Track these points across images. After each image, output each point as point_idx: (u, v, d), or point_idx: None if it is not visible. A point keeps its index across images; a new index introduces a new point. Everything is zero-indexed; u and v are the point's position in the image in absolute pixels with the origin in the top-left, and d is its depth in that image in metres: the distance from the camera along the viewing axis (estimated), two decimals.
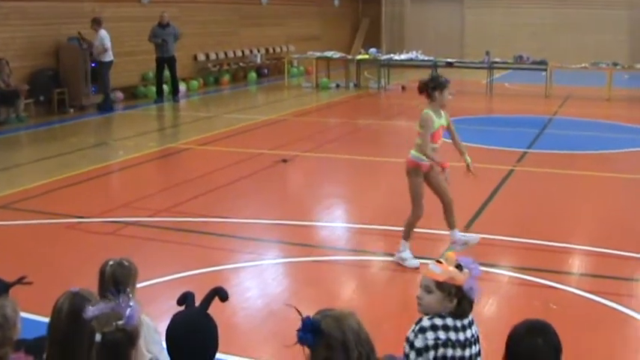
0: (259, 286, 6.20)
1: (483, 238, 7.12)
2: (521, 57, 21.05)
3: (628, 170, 10.85)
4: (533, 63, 21.04)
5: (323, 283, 6.29)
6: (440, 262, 3.16)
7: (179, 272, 6.31)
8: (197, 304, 2.69)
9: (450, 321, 3.06)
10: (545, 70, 20.57)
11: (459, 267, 3.13)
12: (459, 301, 3.07)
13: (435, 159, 6.52)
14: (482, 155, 11.76)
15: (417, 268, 6.39)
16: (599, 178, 10.29)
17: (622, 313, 5.55)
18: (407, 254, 6.65)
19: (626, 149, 12.41)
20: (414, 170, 6.63)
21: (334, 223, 8.14)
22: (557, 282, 6.16)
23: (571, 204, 8.81)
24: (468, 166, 6.80)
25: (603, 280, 6.36)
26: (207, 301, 2.68)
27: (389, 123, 15.55)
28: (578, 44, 28.66)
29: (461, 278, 3.09)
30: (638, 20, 29.44)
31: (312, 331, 2.41)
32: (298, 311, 2.41)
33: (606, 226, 7.98)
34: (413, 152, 6.62)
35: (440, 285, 3.08)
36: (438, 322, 3.04)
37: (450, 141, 6.89)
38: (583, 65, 20.88)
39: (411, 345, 3.01)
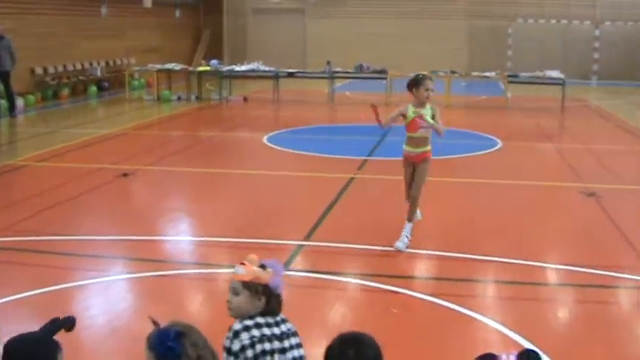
0: (102, 304, 6.02)
1: (325, 246, 7.29)
2: (361, 66, 21.72)
3: (467, 174, 11.44)
4: (374, 72, 21.78)
5: (168, 298, 6.19)
6: (244, 264, 3.24)
7: (18, 293, 6.01)
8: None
9: (261, 319, 3.14)
10: (386, 78, 21.34)
11: (262, 267, 3.23)
12: (267, 299, 3.17)
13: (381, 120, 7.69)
14: (324, 164, 12.07)
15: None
16: (440, 183, 10.74)
17: (464, 314, 5.74)
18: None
19: (465, 154, 13.10)
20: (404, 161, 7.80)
21: (178, 237, 8.02)
22: (400, 287, 6.31)
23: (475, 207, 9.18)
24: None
25: (445, 282, 6.60)
26: (51, 328, 2.57)
27: (231, 135, 15.57)
28: (418, 53, 29.89)
29: (266, 277, 3.20)
30: (475, 30, 31.18)
31: (177, 340, 2.42)
32: (156, 322, 2.39)
33: (445, 229, 8.35)
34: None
35: (246, 285, 3.16)
36: (250, 322, 3.11)
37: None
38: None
39: (229, 351, 3.05)
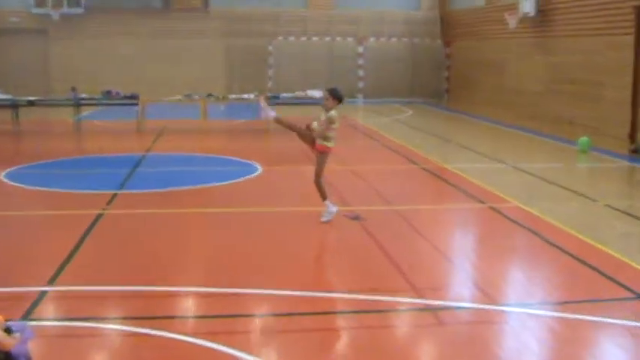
0: None
1: (73, 290, 7.17)
2: (109, 92, 21.43)
3: (223, 203, 11.70)
4: (124, 98, 21.56)
5: None
6: None
7: None
8: None
9: None
10: (137, 104, 21.22)
11: (8, 331, 3.10)
12: None
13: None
14: (69, 201, 11.80)
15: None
16: (197, 214, 10.91)
17: (226, 353, 5.87)
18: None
19: (223, 182, 13.36)
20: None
21: None
22: (158, 328, 6.32)
23: (168, 244, 9.19)
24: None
25: (205, 320, 6.74)
26: None
27: None
28: (172, 76, 30.03)
29: (9, 343, 3.06)
30: (233, 49, 31.82)
31: None
32: None
33: (202, 263, 8.51)
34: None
35: None
36: None
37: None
38: (177, 98, 21.99)
39: None
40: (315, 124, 10.34)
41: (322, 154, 10.31)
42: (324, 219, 10.29)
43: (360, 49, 33.18)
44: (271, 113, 10.52)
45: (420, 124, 23.94)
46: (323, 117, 10.18)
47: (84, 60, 30.46)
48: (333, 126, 10.19)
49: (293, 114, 23.11)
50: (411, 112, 28.07)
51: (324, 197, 10.36)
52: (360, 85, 33.20)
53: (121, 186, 12.89)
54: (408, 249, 9.15)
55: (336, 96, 10.17)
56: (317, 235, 9.98)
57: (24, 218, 10.72)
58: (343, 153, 17.35)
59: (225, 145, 18.69)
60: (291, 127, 10.51)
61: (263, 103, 11.04)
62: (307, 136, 10.40)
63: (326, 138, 10.24)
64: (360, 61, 33.20)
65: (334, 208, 10.43)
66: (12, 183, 13.21)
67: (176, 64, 30.81)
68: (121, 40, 30.90)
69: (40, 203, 11.84)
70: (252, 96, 22.46)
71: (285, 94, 22.85)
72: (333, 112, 10.14)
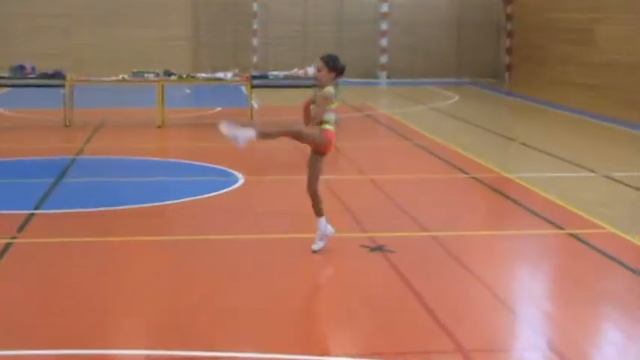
0: None
1: None
2: (22, 67, 21.32)
3: (187, 229, 11.66)
4: (43, 76, 21.46)
5: None
6: None
7: None
8: None
9: None
10: (63, 86, 21.14)
11: None
12: None
13: None
14: None
15: None
16: (147, 244, 10.82)
17: None
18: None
19: (189, 197, 13.30)
20: None
21: None
22: None
23: (104, 287, 9.13)
24: None
25: None
26: None
27: None
28: (114, 45, 30.01)
29: None
30: (204, 8, 31.82)
31: None
32: None
33: (153, 316, 8.39)
34: None
35: None
36: None
37: None
38: (121, 77, 21.91)
39: None
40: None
41: (321, 149, 10.35)
42: (315, 247, 10.30)
43: (384, 8, 33.23)
44: (244, 135, 10.12)
45: (469, 114, 23.90)
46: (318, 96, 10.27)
47: None
48: (331, 106, 10.24)
49: (285, 102, 23.20)
50: (456, 97, 28.07)
51: (319, 213, 10.39)
52: (384, 59, 33.26)
53: (39, 204, 12.82)
54: (452, 292, 9.06)
55: (333, 66, 10.17)
56: (320, 272, 9.91)
57: None
58: (359, 156, 17.29)
59: (191, 146, 18.62)
60: (286, 133, 10.48)
61: (226, 128, 10.19)
62: (310, 135, 10.31)
63: (322, 123, 10.23)
64: (384, 26, 33.24)
65: (330, 230, 10.40)
66: None
67: (118, 26, 30.76)
68: None
69: None
70: (229, 75, 22.38)
71: (275, 73, 22.80)
72: (330, 88, 10.17)
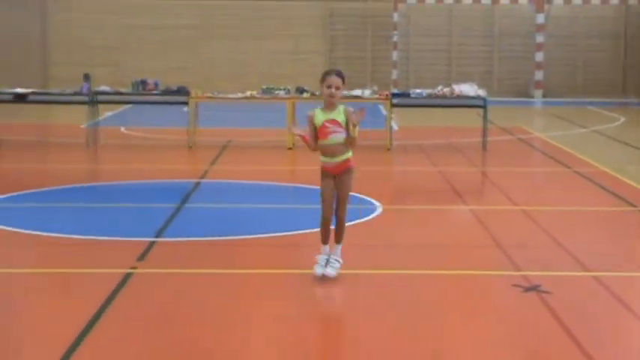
0: None
1: None
2: (144, 83, 21.65)
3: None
4: (166, 93, 21.79)
5: None
6: None
7: None
8: None
9: None
10: (186, 103, 21.44)
11: None
12: None
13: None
14: (81, 253, 11.94)
15: None
16: (277, 276, 10.84)
17: None
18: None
19: (317, 228, 13.33)
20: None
21: None
22: None
23: (228, 327, 9.18)
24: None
25: None
26: None
27: None
28: (242, 59, 30.34)
29: None
30: (339, 19, 32.01)
31: None
32: None
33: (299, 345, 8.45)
34: None
35: None
36: None
37: None
38: (249, 94, 22.10)
39: None
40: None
41: (352, 171, 10.65)
42: (334, 272, 10.47)
43: (540, 19, 32.97)
44: (334, 269, 10.55)
45: (637, 139, 23.48)
46: (340, 116, 10.36)
47: (101, 33, 31.09)
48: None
49: (428, 123, 23.19)
50: (622, 119, 27.63)
51: (340, 239, 10.78)
52: (539, 76, 32.98)
53: (160, 231, 12.99)
54: (617, 341, 8.87)
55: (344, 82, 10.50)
56: (467, 314, 9.80)
57: (9, 279, 10.89)
58: (509, 184, 17.14)
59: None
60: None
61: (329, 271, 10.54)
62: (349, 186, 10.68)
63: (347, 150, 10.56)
64: (540, 39, 32.97)
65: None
66: None
67: (248, 39, 31.09)
68: (163, 3, 31.43)
69: (35, 256, 12.01)
70: (367, 93, 22.37)
71: (417, 90, 22.69)
72: (347, 107, 10.45)
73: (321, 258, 10.53)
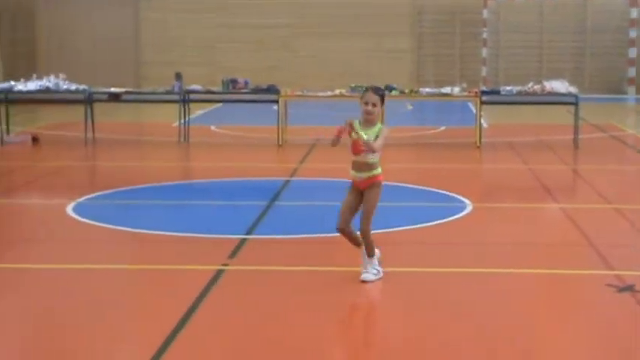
0: None
1: None
2: (234, 81, 21.77)
3: (415, 260, 11.63)
4: (257, 91, 21.91)
5: None
6: None
7: None
8: None
9: None
10: (277, 101, 21.54)
11: None
12: None
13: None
14: (172, 249, 12.04)
15: None
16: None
17: None
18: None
19: (413, 225, 13.28)
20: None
21: None
22: None
23: (318, 320, 9.22)
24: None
25: None
26: None
27: (9, 202, 15.36)
28: (331, 59, 30.39)
29: None
30: (426, 16, 31.93)
31: None
32: None
33: (407, 346, 8.46)
34: None
35: None
36: None
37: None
38: (338, 92, 22.17)
39: None
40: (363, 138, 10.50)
41: (378, 185, 10.85)
42: (370, 277, 10.55)
43: (634, 14, 32.56)
44: (376, 272, 10.64)
45: None
46: (372, 135, 10.47)
47: (191, 34, 31.28)
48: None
49: (519, 121, 23.03)
50: None
51: (372, 253, 10.71)
52: (632, 72, 32.55)
53: (251, 229, 13.08)
54: None
55: (383, 101, 10.53)
56: (561, 314, 9.75)
57: (102, 275, 11.02)
58: (601, 182, 17.00)
59: (412, 168, 18.68)
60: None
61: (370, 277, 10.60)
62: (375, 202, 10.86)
63: (373, 166, 10.75)
64: (633, 34, 32.55)
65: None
66: (83, 220, 13.62)
67: (336, 39, 31.12)
68: (253, 5, 31.54)
69: (126, 252, 12.17)
70: (456, 90, 22.26)
71: (508, 88, 22.55)
72: (385, 127, 10.63)
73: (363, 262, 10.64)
